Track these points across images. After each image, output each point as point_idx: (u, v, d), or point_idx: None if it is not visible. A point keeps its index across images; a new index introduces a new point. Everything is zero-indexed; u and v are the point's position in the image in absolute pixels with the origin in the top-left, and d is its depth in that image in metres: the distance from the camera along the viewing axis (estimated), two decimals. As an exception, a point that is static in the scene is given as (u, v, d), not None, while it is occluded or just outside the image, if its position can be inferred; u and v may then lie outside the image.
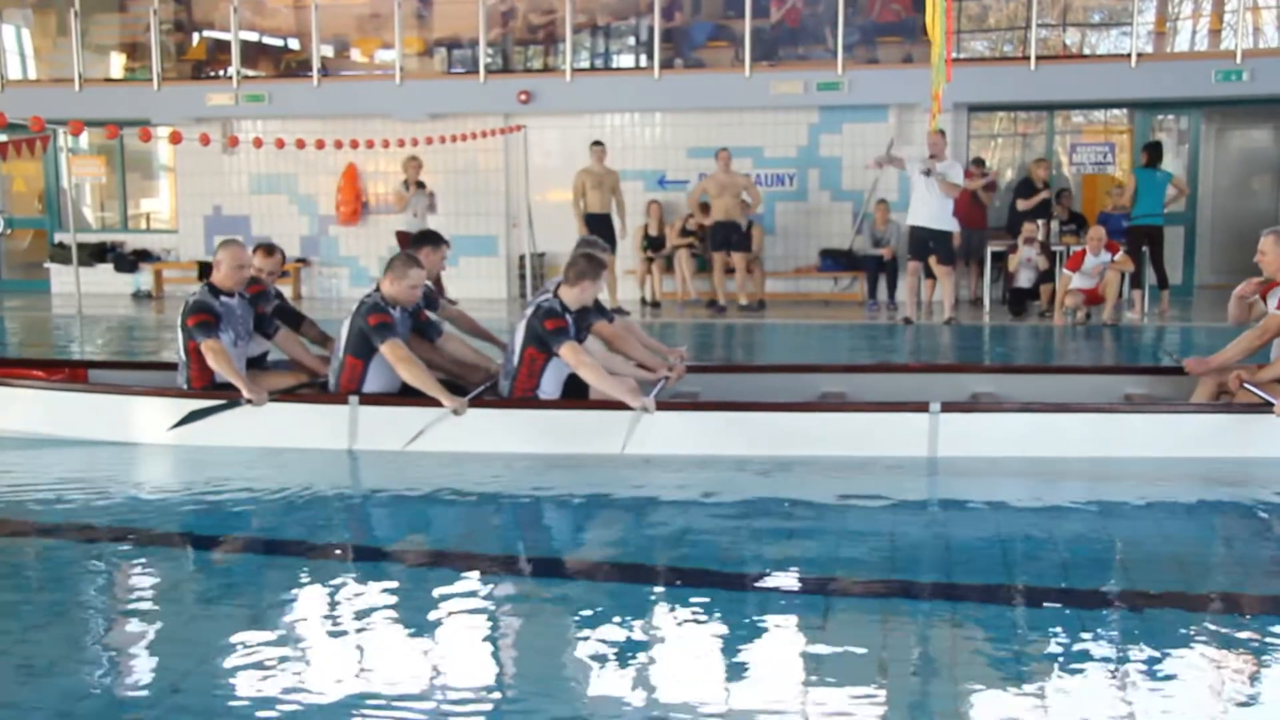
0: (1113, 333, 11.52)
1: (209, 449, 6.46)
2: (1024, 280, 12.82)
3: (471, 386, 6.64)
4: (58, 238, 16.57)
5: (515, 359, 6.36)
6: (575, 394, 6.44)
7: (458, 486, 5.88)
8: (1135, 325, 12.04)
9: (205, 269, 15.63)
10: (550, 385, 6.40)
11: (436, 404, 6.22)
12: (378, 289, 6.53)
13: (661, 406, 6.19)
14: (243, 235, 15.86)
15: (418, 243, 7.24)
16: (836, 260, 14.43)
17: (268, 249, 7.23)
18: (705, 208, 13.63)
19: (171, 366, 7.04)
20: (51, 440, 6.76)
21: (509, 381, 6.41)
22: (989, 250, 13.40)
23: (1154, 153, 12.79)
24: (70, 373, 7.53)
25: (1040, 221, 13.30)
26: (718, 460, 6.14)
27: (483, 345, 7.34)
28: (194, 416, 6.46)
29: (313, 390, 6.78)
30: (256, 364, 6.99)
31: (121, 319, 13.79)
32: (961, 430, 6.17)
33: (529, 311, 6.36)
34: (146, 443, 6.61)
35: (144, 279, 16.08)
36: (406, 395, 6.42)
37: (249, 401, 6.34)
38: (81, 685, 3.56)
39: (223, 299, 6.55)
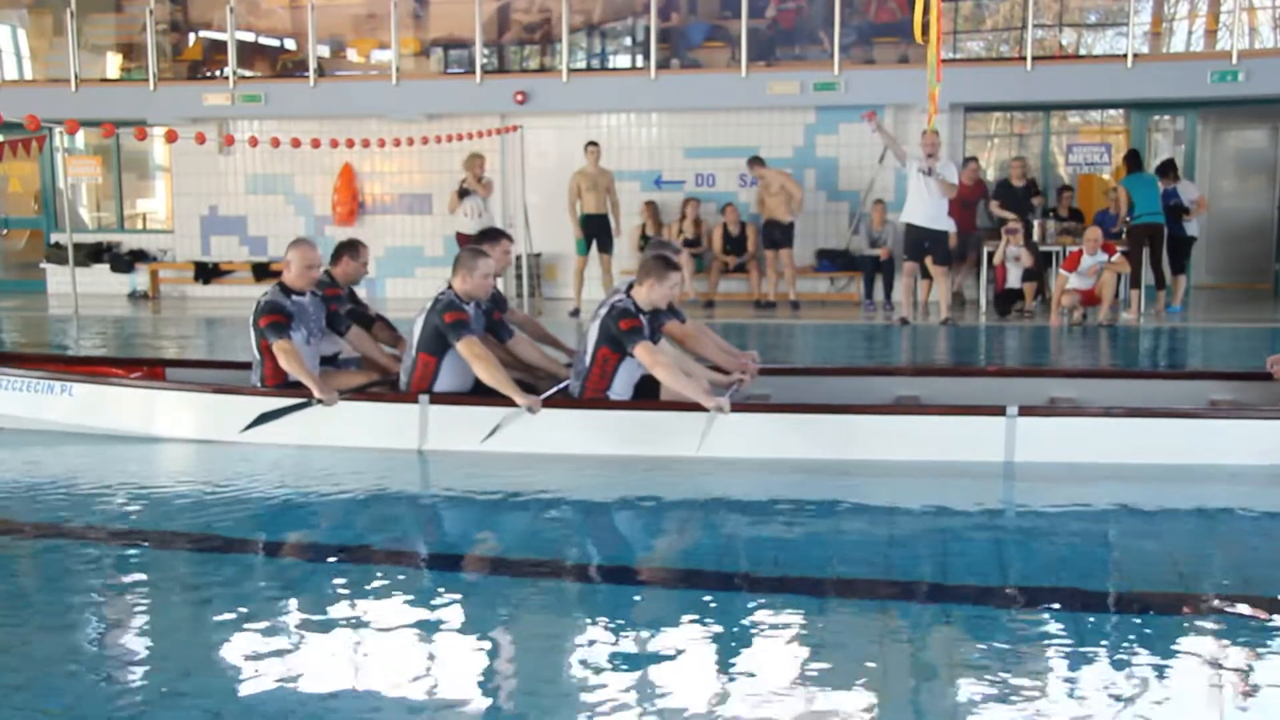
0: (1110, 333, 11.52)
1: (278, 448, 6.47)
2: (1013, 280, 12.81)
3: (541, 389, 6.56)
4: (54, 238, 16.56)
5: (587, 359, 6.32)
6: (646, 395, 6.38)
7: (525, 488, 5.80)
8: (1132, 326, 12.05)
9: (201, 269, 15.72)
10: (622, 386, 6.35)
11: (509, 403, 6.17)
12: (450, 287, 6.48)
13: (735, 408, 6.10)
14: (238, 236, 15.89)
15: (480, 240, 7.13)
16: (833, 260, 14.44)
17: (353, 248, 7.24)
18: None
19: (249, 365, 7.05)
20: (124, 437, 6.82)
21: (580, 382, 6.36)
22: (985, 251, 13.41)
23: (1134, 161, 12.83)
24: (148, 371, 7.61)
25: (1037, 221, 13.32)
26: (790, 463, 6.08)
27: (548, 350, 7.26)
28: (265, 418, 6.46)
29: (383, 389, 6.76)
30: (329, 362, 6.99)
31: (119, 319, 13.77)
32: (1039, 435, 6.05)
33: (602, 312, 6.32)
34: (219, 440, 6.63)
35: (140, 279, 16.06)
36: (478, 394, 6.39)
37: (320, 402, 6.33)
38: (145, 681, 3.61)
39: (294, 298, 6.56)
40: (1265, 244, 14.95)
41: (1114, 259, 11.76)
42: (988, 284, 13.48)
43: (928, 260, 12.32)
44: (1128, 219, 12.86)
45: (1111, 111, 15.16)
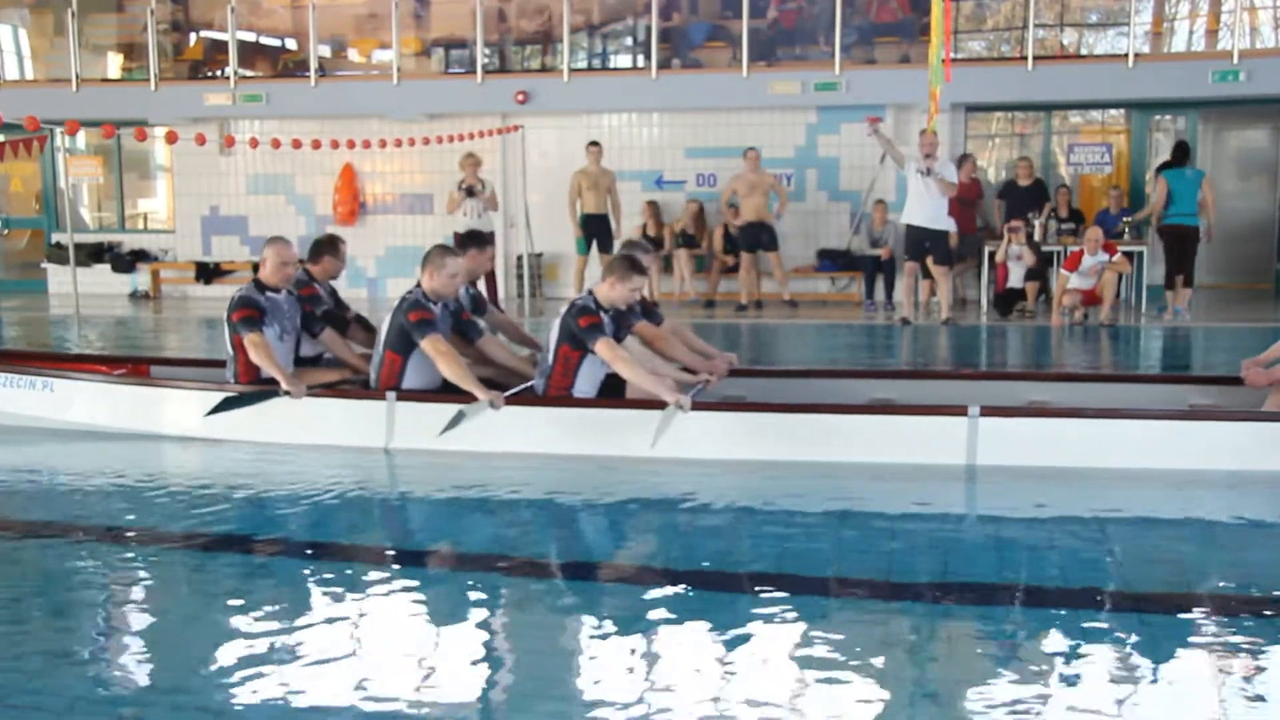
0: (1111, 334, 11.52)
1: (244, 444, 6.50)
2: (1015, 279, 12.79)
3: (510, 388, 6.56)
4: (55, 238, 16.57)
5: (550, 357, 6.34)
6: (612, 394, 6.37)
7: (490, 485, 5.84)
8: (1133, 326, 12.04)
9: (202, 269, 15.73)
10: (586, 384, 6.36)
11: (473, 400, 6.17)
12: (418, 285, 6.52)
13: (696, 407, 6.01)
14: (239, 236, 15.90)
15: (463, 245, 7.19)
16: (834, 260, 14.44)
17: (334, 246, 7.27)
18: (734, 209, 13.64)
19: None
20: (100, 433, 6.86)
21: (544, 380, 6.38)
22: (986, 251, 13.41)
23: (1182, 152, 12.72)
24: (132, 368, 7.65)
25: (1038, 222, 13.31)
26: (751, 464, 6.04)
27: (525, 354, 7.25)
28: (229, 404, 6.47)
29: (353, 387, 6.78)
30: (312, 363, 7.01)
31: (119, 319, 13.77)
32: (1002, 436, 5.87)
33: (564, 309, 6.36)
34: (187, 436, 6.68)
35: (141, 279, 16.08)
36: (445, 392, 6.40)
37: (287, 393, 6.35)
38: (108, 680, 3.61)
39: (269, 294, 6.61)
40: (1266, 244, 14.95)
41: (1115, 259, 11.75)
42: (989, 284, 13.47)
43: (928, 260, 12.32)
44: (1135, 217, 12.82)
45: (1113, 111, 15.15)
